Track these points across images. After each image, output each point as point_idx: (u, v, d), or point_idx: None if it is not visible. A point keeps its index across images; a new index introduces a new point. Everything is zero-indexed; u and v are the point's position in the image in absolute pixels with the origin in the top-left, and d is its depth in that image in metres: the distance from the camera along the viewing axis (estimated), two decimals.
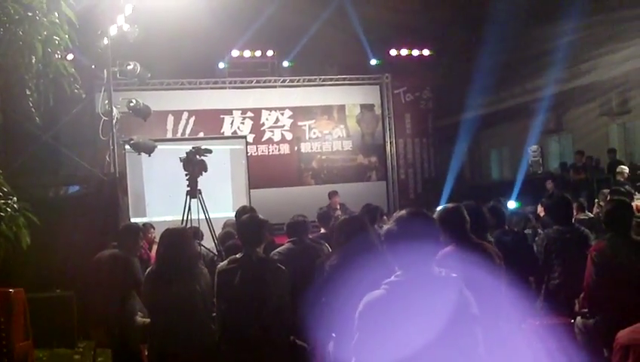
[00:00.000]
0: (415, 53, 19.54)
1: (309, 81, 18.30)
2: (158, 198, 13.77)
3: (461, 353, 3.05)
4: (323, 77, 18.51)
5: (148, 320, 6.05)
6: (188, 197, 8.84)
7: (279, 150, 17.99)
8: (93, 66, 13.94)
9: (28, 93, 5.97)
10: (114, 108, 11.52)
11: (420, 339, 2.94)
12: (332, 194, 14.83)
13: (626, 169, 13.74)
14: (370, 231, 5.42)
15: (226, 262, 5.49)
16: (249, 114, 17.77)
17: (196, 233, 7.90)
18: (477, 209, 5.82)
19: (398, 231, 3.22)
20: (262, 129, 17.88)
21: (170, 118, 17.09)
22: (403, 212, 3.35)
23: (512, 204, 14.92)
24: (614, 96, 17.49)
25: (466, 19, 20.51)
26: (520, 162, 21.27)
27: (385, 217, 9.13)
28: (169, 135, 16.80)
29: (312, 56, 18.93)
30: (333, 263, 5.23)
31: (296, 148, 18.11)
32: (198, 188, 8.88)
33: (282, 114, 18.03)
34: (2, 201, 5.55)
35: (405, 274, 3.13)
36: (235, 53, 18.58)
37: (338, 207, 14.12)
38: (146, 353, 5.91)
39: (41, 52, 5.72)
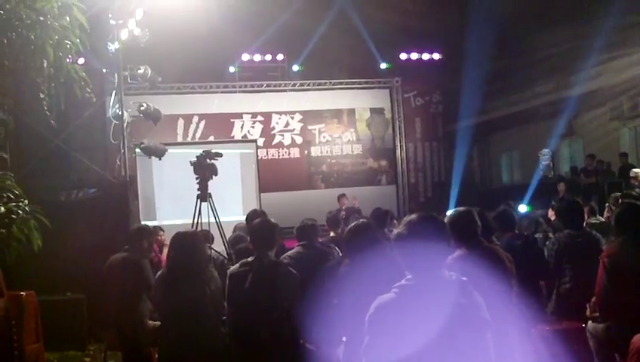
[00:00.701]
0: (425, 56, 19.54)
1: (319, 85, 18.33)
2: (168, 202, 13.80)
3: (471, 357, 3.04)
4: (333, 81, 18.53)
5: (158, 323, 6.07)
6: (198, 200, 8.85)
7: (289, 154, 18.02)
8: (104, 70, 14.00)
9: (42, 96, 6.01)
10: (125, 112, 11.53)
11: (430, 343, 2.94)
12: (340, 197, 14.95)
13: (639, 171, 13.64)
14: (378, 236, 5.43)
15: (237, 265, 5.50)
16: (259, 118, 17.81)
17: (207, 236, 7.90)
18: (480, 213, 5.84)
19: (409, 235, 3.22)
20: (272, 133, 17.91)
21: (181, 122, 17.15)
22: (413, 216, 3.34)
23: (522, 208, 14.89)
24: (625, 100, 17.44)
25: (476, 22, 20.47)
26: (531, 166, 21.21)
27: (395, 221, 9.12)
28: (179, 139, 16.86)
29: (322, 60, 18.94)
30: (344, 267, 5.24)
31: (306, 151, 18.14)
32: (209, 191, 8.88)
33: (292, 118, 18.06)
34: (14, 204, 5.59)
35: (415, 278, 3.13)
36: (245, 57, 18.62)
37: (344, 208, 14.14)
38: (157, 356, 5.92)
39: (53, 56, 5.75)
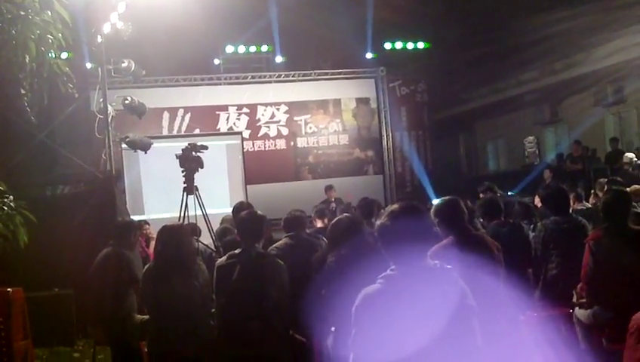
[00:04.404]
0: (410, 46, 19.52)
1: (304, 75, 18.25)
2: (155, 195, 13.77)
3: (459, 344, 3.05)
4: (318, 71, 18.47)
5: (146, 317, 6.06)
6: (185, 193, 8.84)
7: (275, 145, 17.95)
8: (87, 64, 13.92)
9: (23, 92, 5.97)
10: (109, 106, 11.48)
11: (416, 332, 2.94)
12: (328, 188, 14.94)
13: (634, 157, 13.65)
14: (362, 229, 5.47)
15: (225, 257, 5.51)
16: (245, 110, 17.73)
17: (194, 229, 7.89)
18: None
19: (391, 226, 3.21)
20: (258, 124, 17.84)
21: (166, 115, 17.06)
22: (395, 206, 3.34)
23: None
24: (609, 86, 17.53)
25: (460, 11, 20.51)
26: (517, 153, 21.33)
27: (382, 211, 9.14)
28: (165, 132, 16.77)
29: (307, 50, 18.91)
30: (331, 259, 5.26)
31: (292, 143, 18.07)
32: (195, 184, 8.87)
33: (278, 109, 17.99)
34: None
35: (400, 267, 3.13)
36: (229, 49, 18.55)
37: (333, 200, 14.20)
38: (146, 350, 5.92)
39: (35, 51, 5.71)
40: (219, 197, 13.29)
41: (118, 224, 7.51)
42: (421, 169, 18.50)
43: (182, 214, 8.70)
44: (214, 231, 8.64)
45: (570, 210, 7.71)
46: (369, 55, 19.04)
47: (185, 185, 8.91)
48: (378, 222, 3.33)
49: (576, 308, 5.91)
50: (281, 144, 18.00)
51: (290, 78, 18.15)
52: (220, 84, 17.96)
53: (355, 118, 18.66)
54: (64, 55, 6.71)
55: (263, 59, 19.26)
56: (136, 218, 10.84)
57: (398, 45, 19.36)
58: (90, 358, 7.94)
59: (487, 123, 23.69)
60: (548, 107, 20.18)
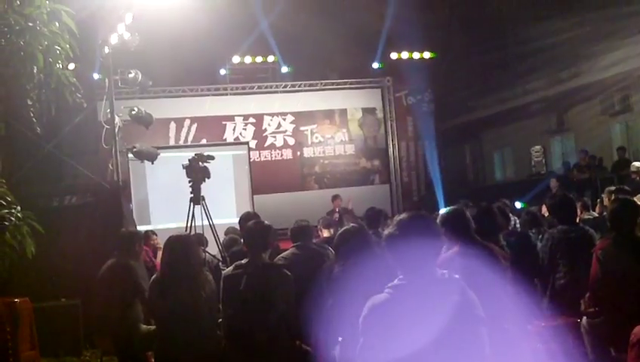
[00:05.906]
0: (416, 55, 19.50)
1: (311, 85, 18.28)
2: (162, 206, 13.80)
3: (467, 355, 3.04)
4: (324, 81, 18.49)
5: (153, 327, 6.06)
6: (191, 204, 8.84)
7: (282, 155, 17.97)
8: (94, 75, 13.98)
9: (30, 103, 5.99)
10: (116, 117, 11.53)
11: (424, 342, 2.93)
12: (334, 198, 14.93)
13: None
14: (369, 239, 5.46)
15: (231, 267, 5.51)
16: (251, 120, 17.76)
17: (200, 240, 7.89)
18: (488, 210, 5.88)
19: (399, 235, 3.21)
20: (264, 134, 17.87)
21: (173, 126, 17.10)
22: (403, 215, 3.33)
23: (517, 205, 14.90)
24: (616, 95, 17.48)
25: (466, 20, 20.53)
26: (524, 162, 21.27)
27: (389, 220, 9.13)
28: (171, 142, 16.80)
29: (313, 60, 18.91)
30: (337, 269, 5.25)
31: (298, 153, 18.09)
32: (202, 194, 8.87)
33: (284, 119, 18.02)
34: (6, 211, 5.57)
35: (408, 277, 3.12)
36: (236, 59, 18.58)
37: (337, 209, 14.17)
38: (153, 360, 5.92)
39: (43, 62, 5.74)
40: (225, 207, 13.31)
41: (122, 234, 7.49)
42: (435, 177, 18.42)
43: (188, 224, 8.70)
44: (221, 241, 8.64)
45: (578, 220, 7.69)
46: (375, 65, 19.04)
47: (191, 195, 8.92)
48: (386, 232, 3.32)
49: (584, 318, 5.89)
50: (287, 154, 18.02)
51: (297, 88, 18.18)
52: (227, 95, 18.02)
53: (362, 128, 18.68)
54: (71, 66, 6.70)
55: (269, 69, 19.29)
56: (142, 228, 10.86)
57: (405, 55, 19.33)
58: None
59: (493, 132, 23.64)
60: (554, 116, 20.15)
